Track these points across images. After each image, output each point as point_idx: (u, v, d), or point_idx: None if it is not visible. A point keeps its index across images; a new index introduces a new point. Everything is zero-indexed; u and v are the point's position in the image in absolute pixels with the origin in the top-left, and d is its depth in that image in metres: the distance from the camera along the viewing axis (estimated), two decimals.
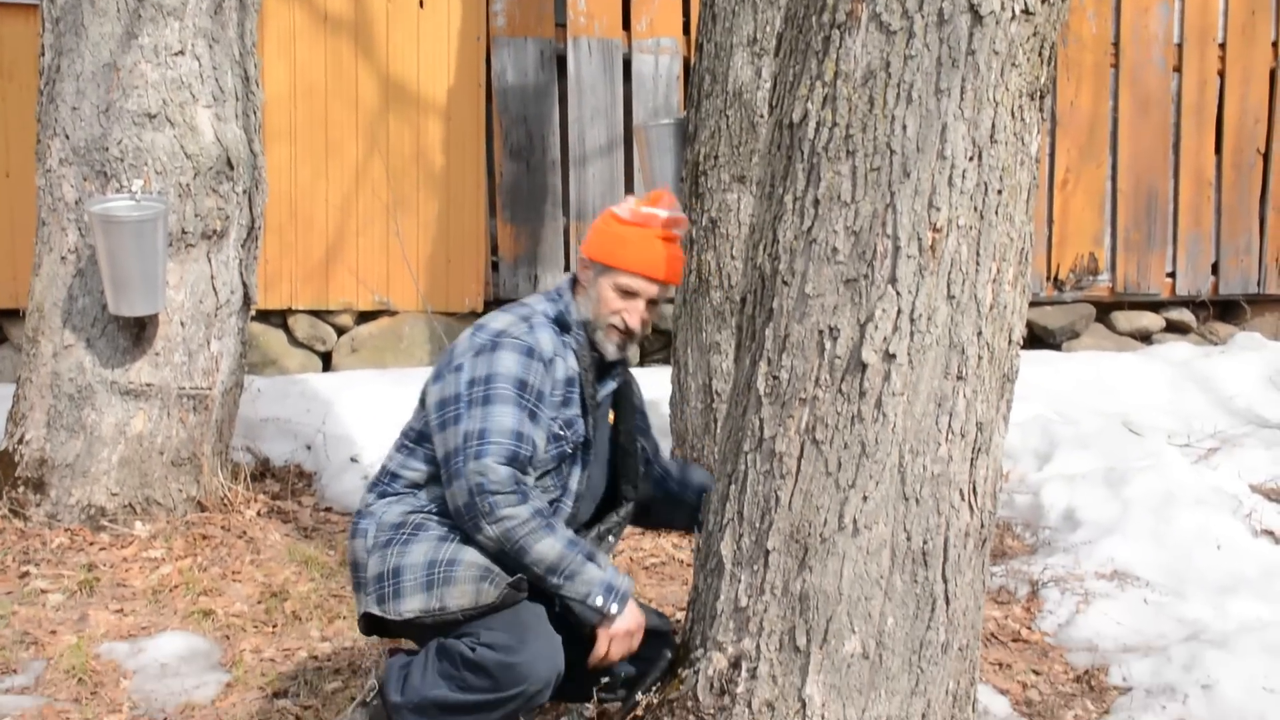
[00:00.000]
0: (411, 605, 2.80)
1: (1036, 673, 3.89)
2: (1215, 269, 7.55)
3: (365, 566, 2.88)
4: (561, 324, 2.95)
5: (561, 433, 2.90)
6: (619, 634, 2.78)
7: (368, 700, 2.94)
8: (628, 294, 2.94)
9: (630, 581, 2.82)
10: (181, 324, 4.82)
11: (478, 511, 2.74)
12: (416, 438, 2.96)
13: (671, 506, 3.22)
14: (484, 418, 2.77)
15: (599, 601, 2.75)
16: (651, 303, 2.97)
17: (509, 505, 2.73)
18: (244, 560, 4.52)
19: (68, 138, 4.72)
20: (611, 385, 3.06)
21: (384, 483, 2.98)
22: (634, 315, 2.95)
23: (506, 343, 2.84)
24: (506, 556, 2.76)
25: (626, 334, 2.96)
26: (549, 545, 2.74)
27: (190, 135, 4.77)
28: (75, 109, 4.69)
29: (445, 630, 2.78)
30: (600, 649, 2.78)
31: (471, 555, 2.80)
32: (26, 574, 4.36)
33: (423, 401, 2.97)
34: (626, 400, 3.12)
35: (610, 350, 2.98)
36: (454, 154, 7.16)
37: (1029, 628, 4.20)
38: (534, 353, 2.84)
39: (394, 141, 7.11)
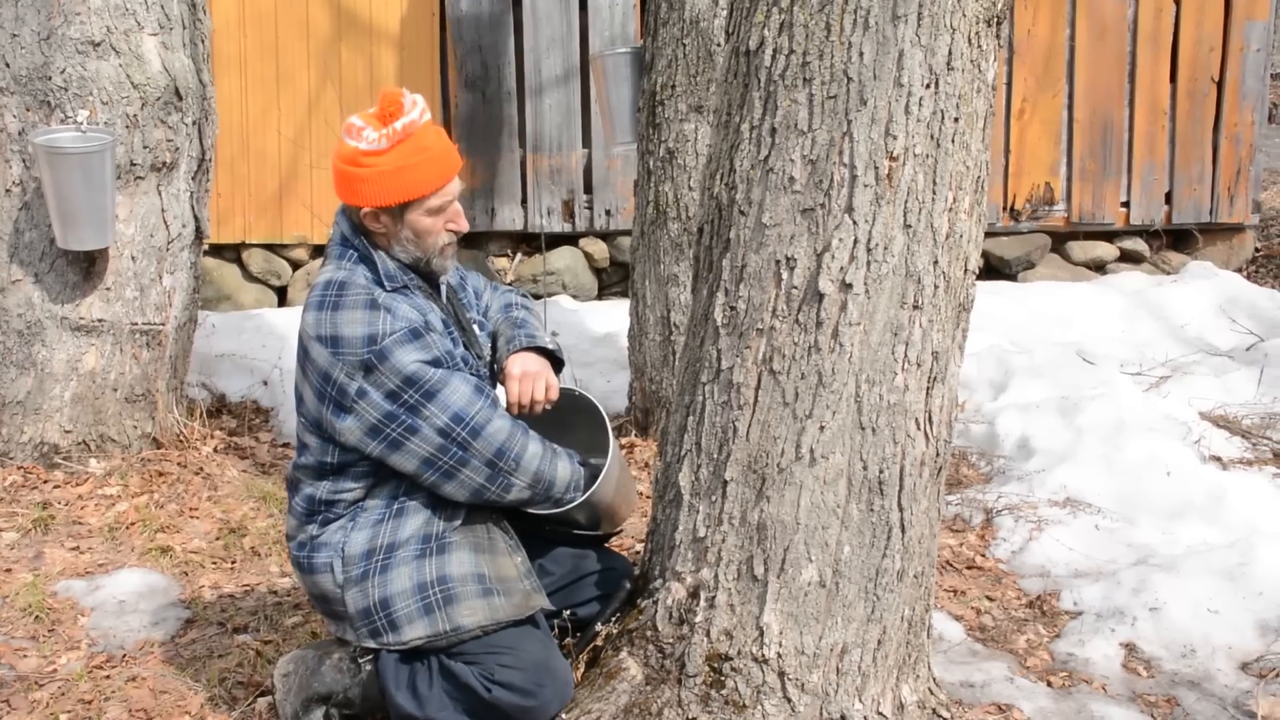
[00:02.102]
0: (415, 633, 2.66)
1: (990, 599, 3.95)
2: (1169, 198, 7.59)
3: (341, 601, 2.73)
4: (397, 287, 2.70)
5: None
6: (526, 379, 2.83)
7: (359, 659, 2.79)
8: (440, 210, 2.71)
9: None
10: (132, 258, 4.73)
11: (505, 471, 2.67)
12: (337, 468, 2.72)
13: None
14: (443, 408, 2.62)
15: (572, 497, 2.80)
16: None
17: (527, 447, 2.69)
18: (201, 497, 4.49)
19: (8, 66, 4.59)
20: (444, 288, 2.88)
21: (321, 512, 2.76)
22: (458, 219, 2.76)
23: (389, 345, 2.60)
24: (532, 501, 2.74)
25: (456, 240, 2.79)
26: (561, 465, 2.75)
27: (136, 64, 4.66)
28: (15, 35, 4.56)
29: (452, 648, 2.67)
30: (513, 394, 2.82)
31: (457, 565, 2.70)
32: None
33: (317, 431, 2.71)
34: (450, 292, 2.91)
35: (449, 266, 2.80)
36: (408, 84, 6.98)
37: (983, 555, 4.25)
38: (418, 331, 2.64)
39: (347, 72, 6.98)
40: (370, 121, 2.67)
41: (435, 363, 2.64)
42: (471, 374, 2.75)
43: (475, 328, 2.94)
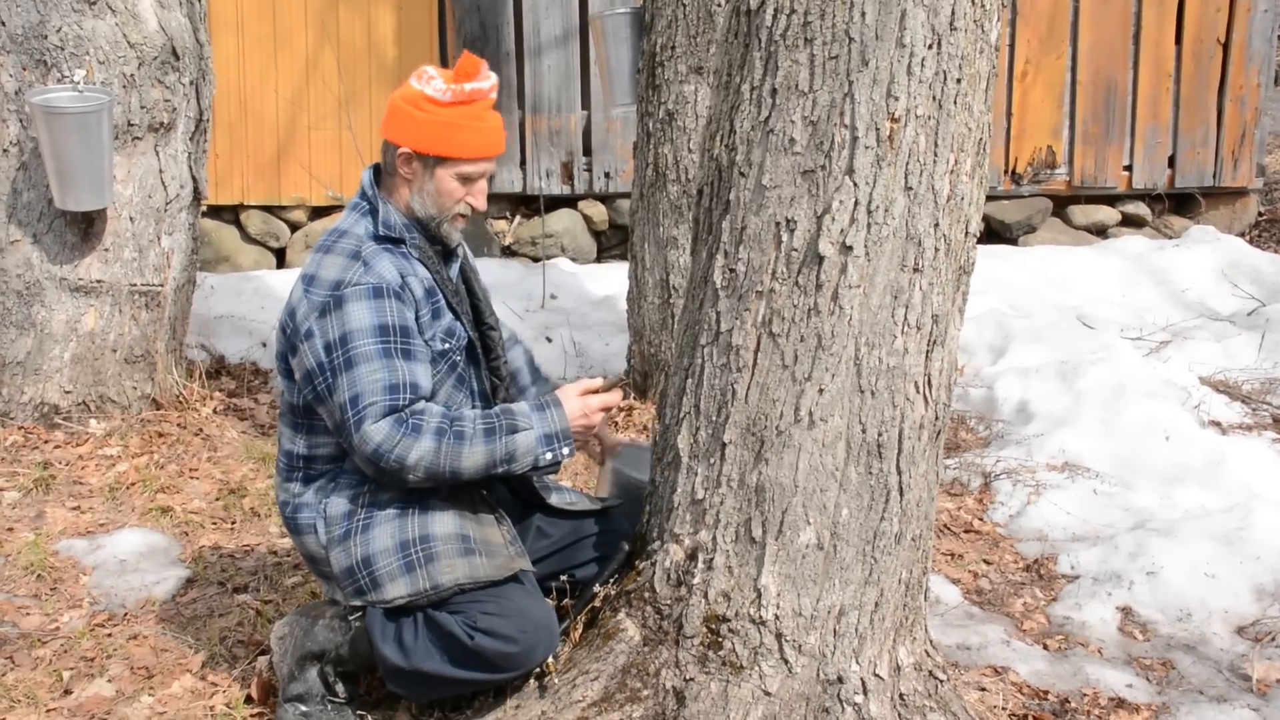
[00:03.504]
0: (397, 591, 2.68)
1: (987, 562, 3.96)
2: (1172, 162, 7.55)
3: (327, 561, 2.76)
4: (391, 238, 2.73)
5: (445, 345, 2.77)
6: (582, 432, 2.76)
7: (350, 618, 2.81)
8: (470, 180, 2.77)
9: (558, 411, 2.73)
10: (130, 219, 4.72)
11: (391, 471, 2.63)
12: (305, 412, 2.77)
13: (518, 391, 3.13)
14: (351, 384, 2.61)
15: (549, 458, 2.71)
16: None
17: (411, 448, 2.60)
18: (201, 457, 4.50)
19: (3, 24, 4.56)
20: (456, 266, 2.91)
21: (300, 468, 2.81)
22: (479, 197, 2.80)
23: (348, 293, 2.63)
24: (448, 482, 2.69)
25: (471, 216, 2.83)
26: (473, 453, 2.64)
27: (133, 23, 4.63)
28: None
29: (437, 602, 2.68)
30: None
31: (440, 525, 2.72)
32: None
33: (287, 373, 2.78)
34: (469, 272, 2.95)
35: (456, 238, 2.84)
36: (406, 46, 7.00)
37: (981, 519, 4.27)
38: (382, 290, 2.64)
39: (345, 32, 6.94)
40: (444, 75, 2.75)
41: (382, 328, 2.64)
42: (437, 351, 2.74)
43: (488, 314, 2.95)
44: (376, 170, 2.85)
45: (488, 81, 2.76)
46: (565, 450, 2.73)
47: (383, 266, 2.68)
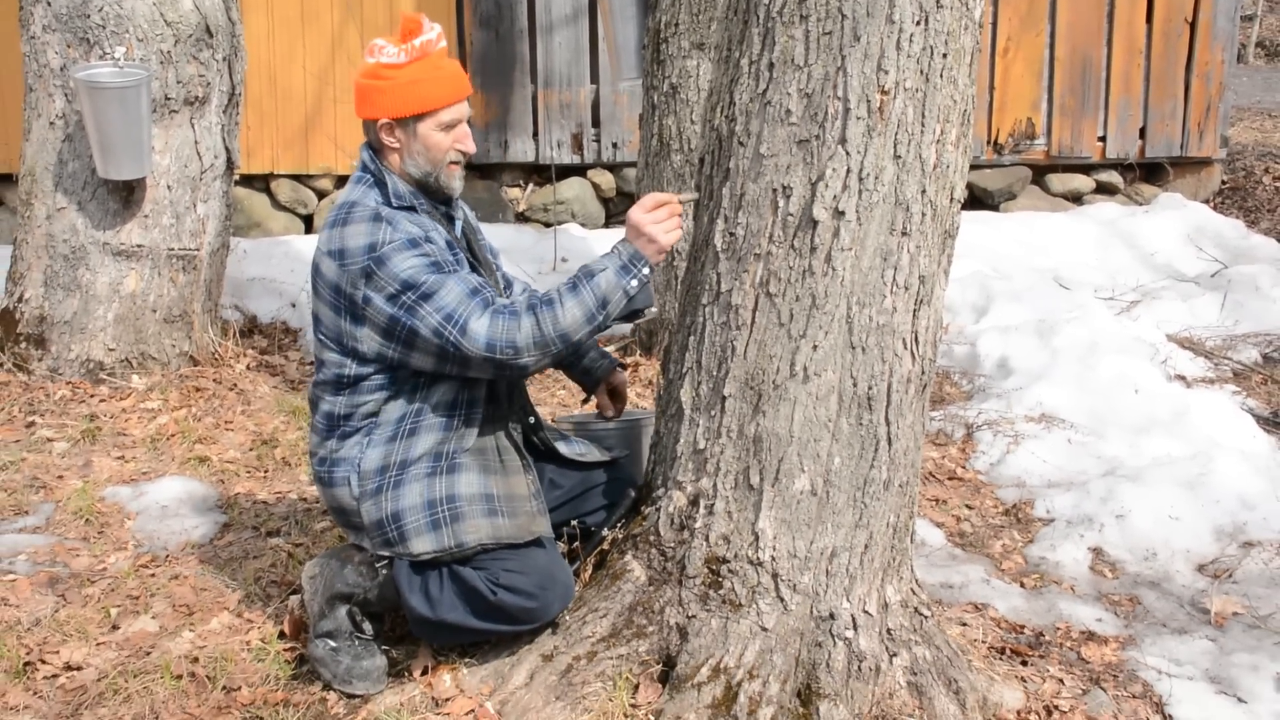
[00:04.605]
0: (422, 546, 2.65)
1: (969, 507, 3.96)
2: (1143, 133, 7.49)
3: (358, 513, 2.72)
4: (402, 205, 2.67)
5: None
6: (648, 228, 2.60)
7: (378, 565, 2.77)
8: (451, 126, 2.69)
9: (624, 244, 2.62)
10: (168, 187, 4.69)
11: (507, 361, 2.55)
12: (352, 380, 2.69)
13: None
14: (436, 309, 2.54)
15: (634, 284, 2.59)
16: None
17: (516, 331, 2.54)
18: (235, 411, 4.49)
19: (49, 5, 4.51)
20: (459, 227, 2.85)
21: (339, 426, 2.73)
22: (466, 140, 2.73)
23: (386, 251, 2.57)
24: (564, 353, 2.60)
25: (464, 161, 2.77)
26: (568, 311, 2.55)
27: (169, 3, 4.58)
28: None
29: (461, 559, 2.65)
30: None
31: (466, 485, 2.68)
32: (32, 424, 4.32)
33: (336, 346, 2.68)
34: (470, 233, 2.90)
35: (456, 186, 2.77)
36: None
37: (964, 467, 4.26)
38: (416, 241, 2.59)
39: (368, 11, 6.86)
40: (390, 40, 2.68)
41: (435, 264, 2.59)
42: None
43: (486, 267, 2.88)
44: (369, 147, 2.76)
45: (434, 32, 2.67)
46: (645, 271, 2.60)
47: (404, 224, 2.63)
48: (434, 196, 2.75)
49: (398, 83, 2.64)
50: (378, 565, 2.78)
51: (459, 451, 2.72)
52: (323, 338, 2.73)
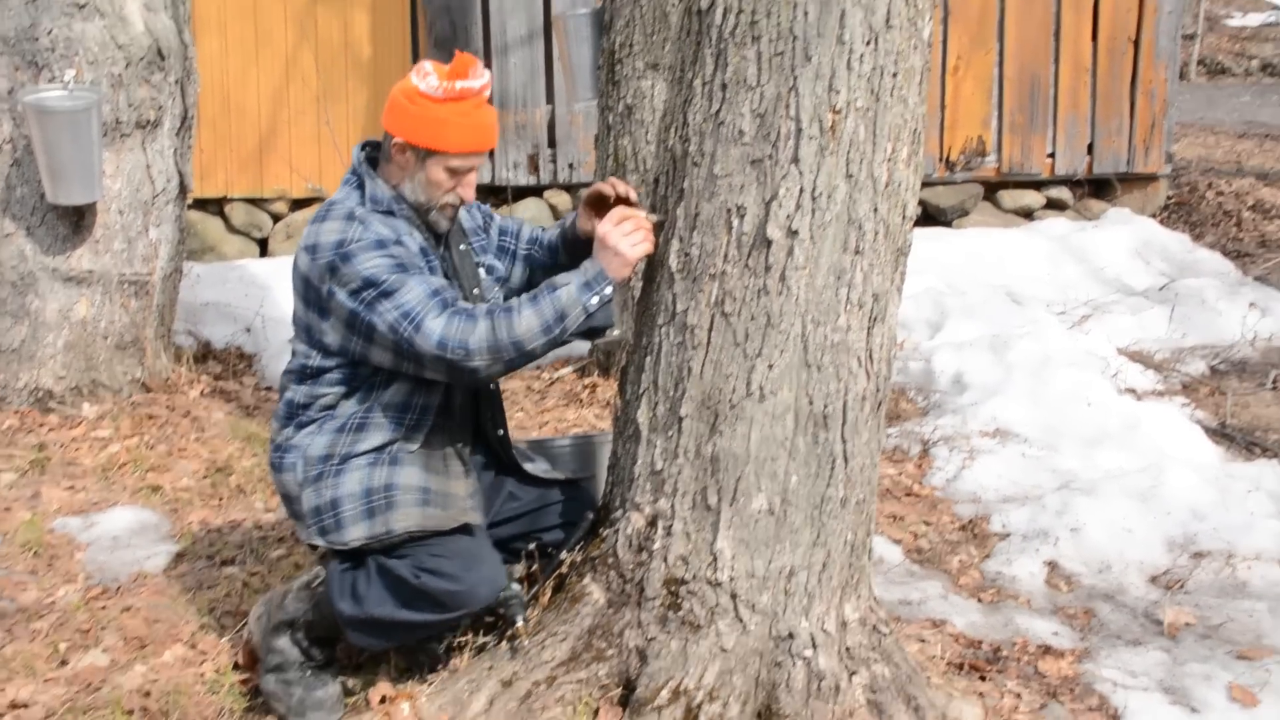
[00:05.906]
0: (355, 534, 2.65)
1: (926, 523, 3.96)
2: (1090, 149, 7.58)
3: (299, 500, 2.73)
4: (381, 210, 2.69)
5: None
6: (613, 240, 2.59)
7: (313, 586, 2.80)
8: (458, 172, 2.70)
9: (590, 261, 2.61)
10: (120, 212, 4.61)
11: (458, 362, 2.54)
12: (315, 371, 2.72)
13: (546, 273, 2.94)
14: (396, 306, 2.56)
15: (594, 301, 2.59)
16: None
17: (470, 333, 2.53)
18: (189, 438, 4.41)
19: None
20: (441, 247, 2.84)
21: (296, 415, 2.75)
22: (468, 189, 2.74)
23: (353, 249, 2.59)
24: (516, 362, 2.58)
25: (459, 206, 2.77)
26: (523, 319, 2.54)
27: (120, 25, 4.51)
28: None
29: (389, 550, 2.65)
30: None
31: (405, 477, 2.68)
32: None
33: (306, 338, 2.73)
34: (456, 254, 2.87)
35: (444, 226, 2.77)
36: (380, 44, 6.88)
37: (920, 483, 4.26)
38: (384, 242, 2.61)
39: (323, 32, 6.82)
40: (439, 71, 2.69)
41: (399, 265, 2.59)
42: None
43: (482, 271, 2.88)
44: (365, 147, 2.80)
45: (479, 81, 2.68)
46: (608, 290, 2.61)
47: (378, 226, 2.65)
48: (420, 216, 2.76)
49: (426, 113, 2.66)
50: (314, 587, 2.77)
51: (403, 451, 2.72)
52: (296, 327, 2.78)
